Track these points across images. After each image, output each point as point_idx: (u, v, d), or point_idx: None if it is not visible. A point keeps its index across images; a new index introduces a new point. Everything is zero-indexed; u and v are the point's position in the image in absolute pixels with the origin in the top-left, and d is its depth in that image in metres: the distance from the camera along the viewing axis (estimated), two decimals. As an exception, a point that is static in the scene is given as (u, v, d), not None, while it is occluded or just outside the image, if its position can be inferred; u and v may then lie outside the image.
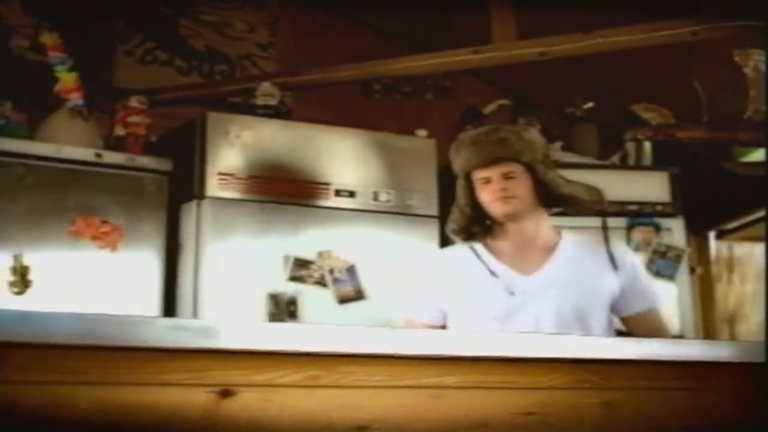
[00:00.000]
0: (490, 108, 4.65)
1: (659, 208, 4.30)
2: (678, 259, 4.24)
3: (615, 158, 4.57)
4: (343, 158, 3.73)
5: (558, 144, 4.59)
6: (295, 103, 4.40)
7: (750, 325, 5.11)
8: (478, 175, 2.47)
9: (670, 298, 4.23)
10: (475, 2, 4.11)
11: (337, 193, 3.65)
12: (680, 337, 4.06)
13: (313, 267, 3.53)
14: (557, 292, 2.39)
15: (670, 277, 4.24)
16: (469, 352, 1.42)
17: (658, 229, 4.27)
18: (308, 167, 3.67)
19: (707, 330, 4.84)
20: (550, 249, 2.48)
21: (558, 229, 2.56)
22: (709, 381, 1.63)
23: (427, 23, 4.43)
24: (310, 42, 4.65)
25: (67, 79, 3.54)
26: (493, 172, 2.44)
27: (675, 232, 4.28)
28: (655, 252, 4.24)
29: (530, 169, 2.47)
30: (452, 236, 2.57)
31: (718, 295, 5.03)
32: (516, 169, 2.45)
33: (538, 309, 2.36)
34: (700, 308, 4.80)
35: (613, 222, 4.19)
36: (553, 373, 1.49)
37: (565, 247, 2.50)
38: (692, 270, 4.41)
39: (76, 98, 3.52)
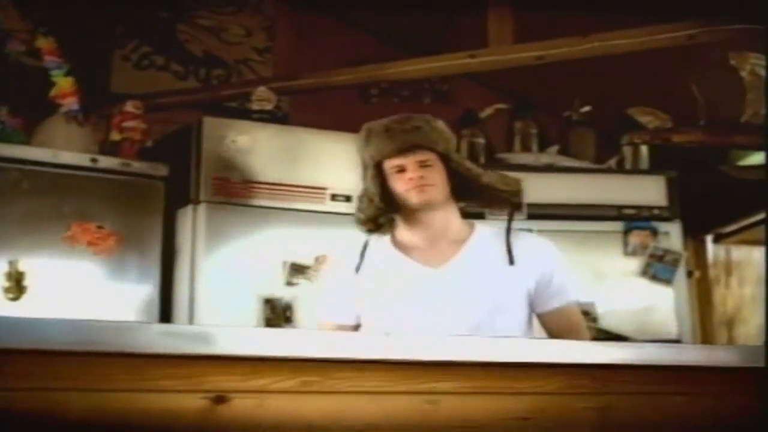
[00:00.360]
0: (487, 112, 4.64)
1: (656, 211, 4.30)
2: (675, 263, 4.24)
3: (612, 162, 4.56)
4: (340, 163, 3.72)
5: (555, 148, 4.59)
6: (292, 107, 4.40)
7: (749, 329, 5.11)
8: (392, 163, 2.37)
9: (667, 302, 4.23)
10: (472, 6, 4.11)
11: (333, 197, 3.65)
12: (678, 341, 4.05)
13: (310, 272, 3.53)
14: (467, 284, 2.31)
15: (667, 281, 4.24)
16: (464, 358, 1.41)
17: (655, 232, 4.26)
18: (304, 172, 3.67)
19: (705, 334, 4.84)
20: (460, 242, 2.39)
21: (471, 222, 2.46)
22: (706, 386, 1.63)
23: (425, 27, 4.44)
24: (307, 46, 4.64)
25: (63, 84, 3.54)
26: (408, 161, 2.35)
27: (672, 235, 4.27)
28: (652, 256, 4.24)
29: (444, 158, 2.39)
30: (358, 226, 2.46)
31: (716, 298, 5.03)
32: (431, 157, 2.37)
33: (447, 303, 2.28)
34: (698, 312, 4.80)
35: (610, 226, 4.24)
36: (548, 379, 1.48)
37: (477, 240, 2.40)
38: (690, 274, 4.41)
39: (71, 103, 3.52)
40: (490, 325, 2.24)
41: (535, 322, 2.41)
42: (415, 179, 2.33)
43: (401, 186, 2.35)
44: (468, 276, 2.32)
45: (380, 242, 2.45)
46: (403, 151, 2.35)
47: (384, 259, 2.41)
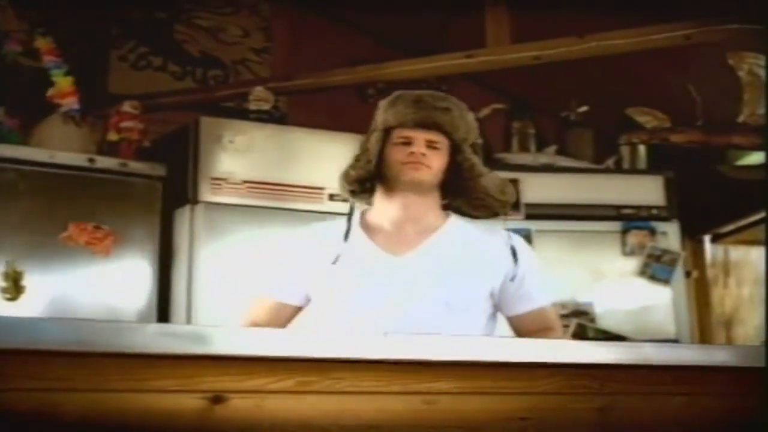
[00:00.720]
0: (484, 112, 4.63)
1: (654, 211, 4.30)
2: (673, 263, 4.24)
3: (610, 162, 4.56)
4: (337, 163, 3.70)
5: (552, 148, 4.59)
6: (290, 107, 4.40)
7: (747, 329, 5.11)
8: (403, 133, 2.26)
9: (665, 302, 4.24)
10: (470, 6, 4.11)
11: (331, 197, 3.64)
12: (675, 341, 4.06)
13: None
14: (425, 276, 2.20)
15: (665, 280, 4.24)
16: (462, 357, 1.41)
17: (653, 232, 4.27)
18: (302, 172, 3.67)
19: (703, 334, 4.84)
20: (430, 231, 2.28)
21: (447, 213, 2.35)
22: (705, 386, 1.62)
23: (422, 27, 4.43)
24: (304, 46, 4.64)
25: (62, 84, 3.54)
26: (419, 135, 2.25)
27: (670, 235, 4.28)
28: (650, 256, 4.24)
29: (455, 148, 2.29)
30: (343, 183, 2.37)
31: (714, 299, 5.03)
32: (442, 141, 2.27)
33: (402, 293, 2.16)
34: (696, 312, 4.79)
35: (608, 226, 4.24)
36: (547, 378, 1.48)
37: (447, 231, 2.29)
38: (688, 274, 4.42)
39: (71, 102, 3.52)
40: (444, 320, 2.14)
41: (501, 323, 2.32)
42: (417, 155, 2.23)
43: (399, 157, 2.25)
44: (428, 267, 2.21)
45: (348, 222, 2.34)
46: (420, 125, 2.26)
47: (347, 245, 2.28)
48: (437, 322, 2.13)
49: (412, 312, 2.13)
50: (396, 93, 2.36)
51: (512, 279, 2.25)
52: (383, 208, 2.30)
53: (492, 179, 2.34)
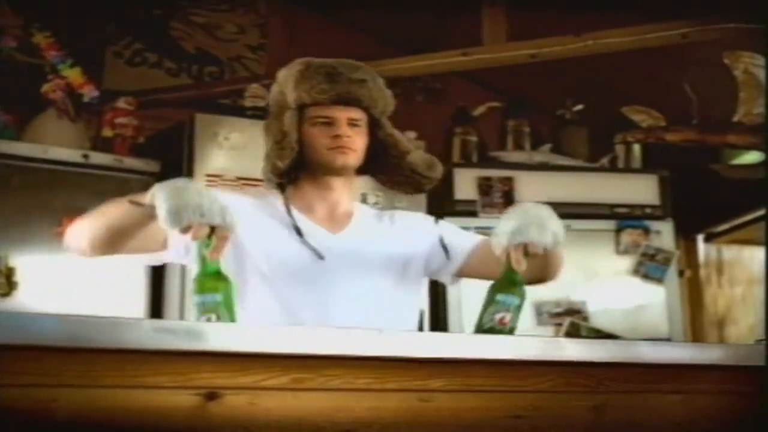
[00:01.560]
0: (480, 110, 4.64)
1: (648, 210, 4.31)
2: (667, 262, 4.25)
3: (605, 161, 4.57)
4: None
5: (547, 146, 4.59)
6: (285, 104, 4.39)
7: (739, 329, 5.12)
8: (321, 112, 2.07)
9: (658, 302, 4.24)
10: (466, 4, 4.11)
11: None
12: (668, 340, 4.06)
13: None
14: (367, 251, 2.09)
15: (659, 280, 4.24)
16: (457, 355, 1.41)
17: (647, 231, 4.27)
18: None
19: (696, 333, 4.85)
20: (350, 213, 2.15)
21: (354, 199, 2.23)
22: (700, 384, 1.63)
23: (418, 25, 4.43)
24: (300, 44, 4.63)
25: (73, 75, 3.55)
26: (341, 114, 2.07)
27: (664, 234, 4.28)
28: (644, 255, 4.25)
29: (375, 124, 2.13)
30: (270, 177, 2.12)
31: (706, 298, 5.04)
32: (362, 117, 2.10)
33: (348, 272, 2.04)
34: (689, 312, 4.80)
35: (602, 224, 4.25)
36: (542, 376, 1.48)
37: (363, 214, 2.19)
38: (681, 273, 4.42)
39: (90, 91, 3.54)
40: (391, 292, 2.08)
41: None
42: (344, 139, 2.05)
43: (323, 141, 2.06)
44: (366, 243, 2.11)
45: (273, 203, 2.14)
46: (338, 101, 2.08)
47: (279, 217, 2.10)
48: (385, 296, 2.09)
49: (360, 289, 2.04)
50: (301, 62, 2.17)
51: (437, 242, 2.17)
52: (309, 191, 2.12)
53: (419, 156, 2.18)
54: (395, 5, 4.20)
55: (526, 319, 4.03)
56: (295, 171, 2.12)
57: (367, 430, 1.33)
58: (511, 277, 1.84)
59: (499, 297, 1.82)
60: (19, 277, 3.15)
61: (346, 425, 1.32)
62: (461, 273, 2.20)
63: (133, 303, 3.37)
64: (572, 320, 4.07)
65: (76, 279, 3.28)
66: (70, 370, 1.18)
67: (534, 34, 4.00)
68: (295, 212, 2.11)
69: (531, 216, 1.87)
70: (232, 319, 1.66)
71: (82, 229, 1.98)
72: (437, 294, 3.97)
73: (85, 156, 3.42)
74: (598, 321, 4.12)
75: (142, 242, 1.98)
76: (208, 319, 1.63)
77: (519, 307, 1.83)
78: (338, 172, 2.10)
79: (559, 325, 4.07)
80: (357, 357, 1.33)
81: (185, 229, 1.69)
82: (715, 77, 3.85)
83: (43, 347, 1.16)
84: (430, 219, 2.28)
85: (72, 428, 1.18)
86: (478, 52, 4.03)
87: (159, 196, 1.74)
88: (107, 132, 3.60)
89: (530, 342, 1.57)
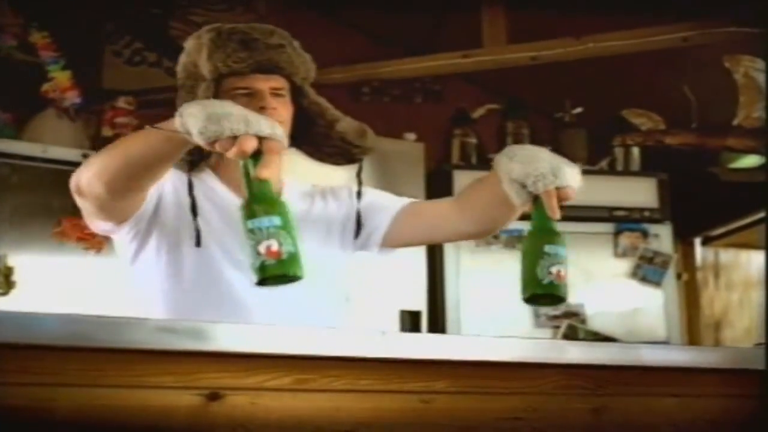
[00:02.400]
0: (479, 112, 4.65)
1: (647, 213, 4.32)
2: (665, 265, 4.26)
3: (603, 163, 4.58)
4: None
5: (547, 148, 4.59)
6: (284, 105, 4.39)
7: (735, 332, 5.13)
8: (240, 83, 1.93)
9: (656, 305, 4.25)
10: (466, 6, 4.11)
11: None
12: (666, 343, 4.07)
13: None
14: (306, 221, 1.97)
15: (656, 283, 4.25)
16: (458, 357, 1.41)
17: (645, 234, 4.28)
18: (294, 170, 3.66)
19: (692, 336, 4.86)
20: (280, 187, 2.03)
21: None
22: (698, 387, 1.63)
23: (418, 26, 4.43)
24: (299, 44, 4.63)
25: (61, 78, 3.54)
26: (263, 85, 1.94)
27: (662, 238, 4.29)
28: (642, 258, 4.26)
29: (297, 91, 2.01)
30: (185, 156, 1.91)
31: (703, 301, 5.04)
32: (284, 86, 1.97)
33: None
34: (686, 314, 4.81)
35: (600, 227, 4.25)
36: (542, 378, 1.48)
37: (293, 189, 2.09)
38: (678, 276, 4.43)
39: (73, 96, 3.52)
40: (323, 279, 1.97)
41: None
42: (268, 111, 1.89)
43: None
44: (304, 220, 1.92)
45: (204, 180, 2.02)
46: (259, 70, 1.94)
47: (214, 198, 1.99)
48: (334, 260, 2.03)
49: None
50: (210, 29, 2.00)
51: (362, 209, 2.10)
52: (233, 168, 1.87)
53: (349, 124, 2.06)
54: (395, 7, 4.20)
55: (524, 321, 4.03)
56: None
57: (368, 431, 1.33)
58: (549, 226, 1.64)
59: (548, 249, 1.61)
60: (17, 276, 3.15)
61: (348, 426, 1.32)
62: (388, 242, 2.10)
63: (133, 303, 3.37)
64: (570, 323, 4.08)
65: (76, 279, 3.28)
66: (70, 369, 1.18)
67: (534, 36, 4.00)
68: (222, 190, 2.00)
69: (545, 158, 1.70)
70: (295, 246, 1.44)
71: (97, 166, 1.74)
72: (435, 294, 3.97)
73: (85, 155, 3.40)
74: (596, 324, 4.13)
75: (131, 203, 1.85)
76: (268, 247, 1.41)
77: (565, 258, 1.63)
78: None
79: (557, 327, 4.07)
80: (359, 358, 1.33)
81: (227, 143, 1.44)
82: (715, 81, 3.86)
83: (44, 346, 1.16)
84: (354, 191, 2.15)
85: (72, 428, 1.18)
86: (479, 54, 4.04)
87: (191, 110, 1.50)
88: (107, 131, 3.60)
89: (531, 344, 1.58)
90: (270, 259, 1.41)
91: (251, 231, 1.43)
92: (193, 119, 1.48)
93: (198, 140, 1.47)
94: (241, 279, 1.90)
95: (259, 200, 1.45)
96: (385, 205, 2.11)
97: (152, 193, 1.91)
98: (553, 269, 1.60)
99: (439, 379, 1.40)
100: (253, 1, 4.82)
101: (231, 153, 1.44)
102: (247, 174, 1.47)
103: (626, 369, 1.55)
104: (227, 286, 1.94)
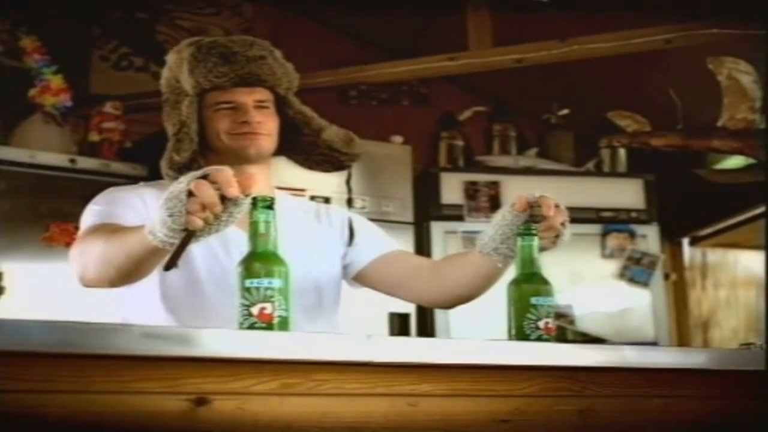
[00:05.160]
0: (466, 114, 4.67)
1: (634, 214, 4.33)
2: (652, 265, 4.27)
3: (590, 165, 4.60)
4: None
5: (533, 150, 4.61)
6: (271, 109, 4.39)
7: (723, 331, 5.15)
8: (222, 97, 1.92)
9: (644, 305, 4.26)
10: (452, 9, 4.12)
11: (312, 199, 3.64)
12: (654, 343, 4.08)
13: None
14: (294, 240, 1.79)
15: (644, 283, 4.27)
16: (445, 360, 1.41)
17: (632, 235, 4.30)
18: (283, 173, 3.66)
19: (681, 336, 4.88)
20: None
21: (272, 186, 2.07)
22: (684, 388, 1.64)
23: (404, 30, 4.44)
24: (286, 48, 4.60)
25: (54, 81, 3.53)
26: (246, 98, 1.92)
27: (650, 238, 4.31)
28: (629, 259, 4.27)
29: (281, 102, 2.00)
30: (168, 171, 1.92)
31: (691, 301, 5.06)
32: (268, 98, 1.96)
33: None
34: (674, 314, 4.83)
35: (588, 228, 4.27)
36: (528, 381, 1.49)
37: (283, 205, 1.79)
38: (666, 276, 4.45)
39: (64, 100, 3.52)
40: (308, 278, 1.91)
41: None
42: (253, 125, 1.90)
43: (227, 127, 1.92)
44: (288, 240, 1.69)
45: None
46: (241, 84, 1.92)
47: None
48: (325, 282, 2.00)
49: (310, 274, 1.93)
50: (190, 43, 1.98)
51: (351, 236, 2.08)
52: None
53: (335, 132, 2.05)
54: (381, 10, 4.20)
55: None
56: (206, 161, 1.90)
57: (355, 434, 1.34)
58: (534, 271, 1.64)
59: (535, 300, 1.60)
60: (6, 282, 3.14)
61: (335, 430, 1.33)
62: (359, 279, 2.09)
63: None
64: (558, 324, 4.09)
65: (65, 285, 3.27)
66: (59, 375, 1.18)
67: (519, 38, 4.01)
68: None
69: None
70: (287, 310, 1.42)
71: (99, 270, 1.79)
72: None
73: (72, 161, 3.41)
74: (584, 325, 4.14)
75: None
76: (262, 310, 1.39)
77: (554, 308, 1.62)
78: (252, 160, 1.93)
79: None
80: (346, 362, 1.34)
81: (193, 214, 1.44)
82: (700, 82, 3.88)
83: (33, 353, 1.16)
84: (349, 217, 2.14)
85: (62, 434, 1.19)
86: (465, 56, 4.05)
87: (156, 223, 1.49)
88: (94, 136, 3.59)
89: (517, 346, 1.58)
90: (261, 322, 1.40)
91: (247, 290, 1.41)
92: (154, 221, 1.49)
93: (161, 235, 1.48)
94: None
95: (262, 259, 1.42)
96: (374, 243, 2.11)
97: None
98: (541, 323, 1.60)
99: (426, 382, 1.40)
100: (240, 6, 4.82)
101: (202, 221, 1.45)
102: (255, 230, 1.44)
103: (612, 371, 1.56)
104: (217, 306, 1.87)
